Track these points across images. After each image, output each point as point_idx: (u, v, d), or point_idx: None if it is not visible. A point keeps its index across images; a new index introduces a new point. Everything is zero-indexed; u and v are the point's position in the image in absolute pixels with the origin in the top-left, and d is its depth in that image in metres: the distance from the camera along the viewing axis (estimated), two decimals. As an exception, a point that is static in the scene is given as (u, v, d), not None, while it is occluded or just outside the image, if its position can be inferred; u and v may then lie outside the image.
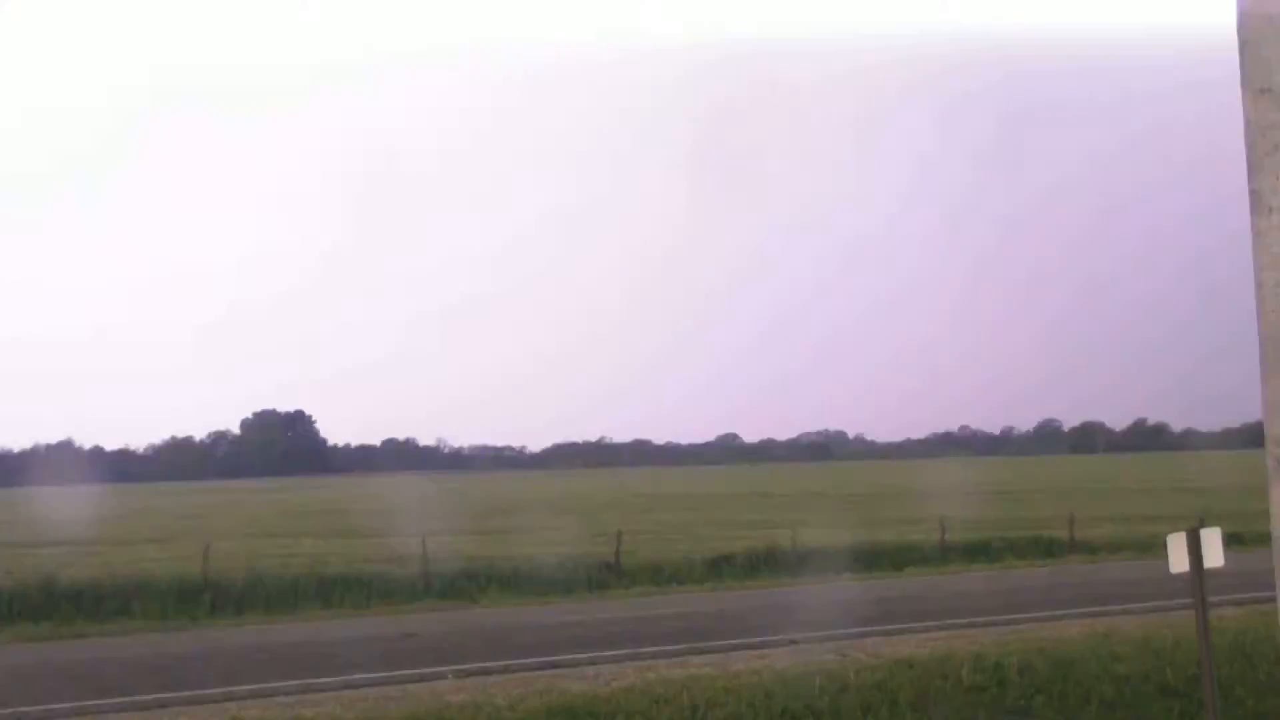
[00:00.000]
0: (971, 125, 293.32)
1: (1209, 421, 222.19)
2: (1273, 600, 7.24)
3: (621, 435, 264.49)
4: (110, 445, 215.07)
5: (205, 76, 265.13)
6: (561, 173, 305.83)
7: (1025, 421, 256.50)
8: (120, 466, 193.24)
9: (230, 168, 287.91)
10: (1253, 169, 7.14)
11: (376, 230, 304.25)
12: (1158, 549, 15.02)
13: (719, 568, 35.62)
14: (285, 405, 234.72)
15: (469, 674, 18.57)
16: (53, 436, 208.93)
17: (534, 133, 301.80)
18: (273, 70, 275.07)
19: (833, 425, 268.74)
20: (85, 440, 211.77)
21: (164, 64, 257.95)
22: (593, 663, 19.32)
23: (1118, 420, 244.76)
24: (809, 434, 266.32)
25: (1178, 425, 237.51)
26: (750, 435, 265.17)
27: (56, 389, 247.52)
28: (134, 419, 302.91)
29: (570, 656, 20.11)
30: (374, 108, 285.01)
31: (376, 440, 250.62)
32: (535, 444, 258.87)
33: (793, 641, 20.86)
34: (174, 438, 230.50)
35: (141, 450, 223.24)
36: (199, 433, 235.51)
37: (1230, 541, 11.90)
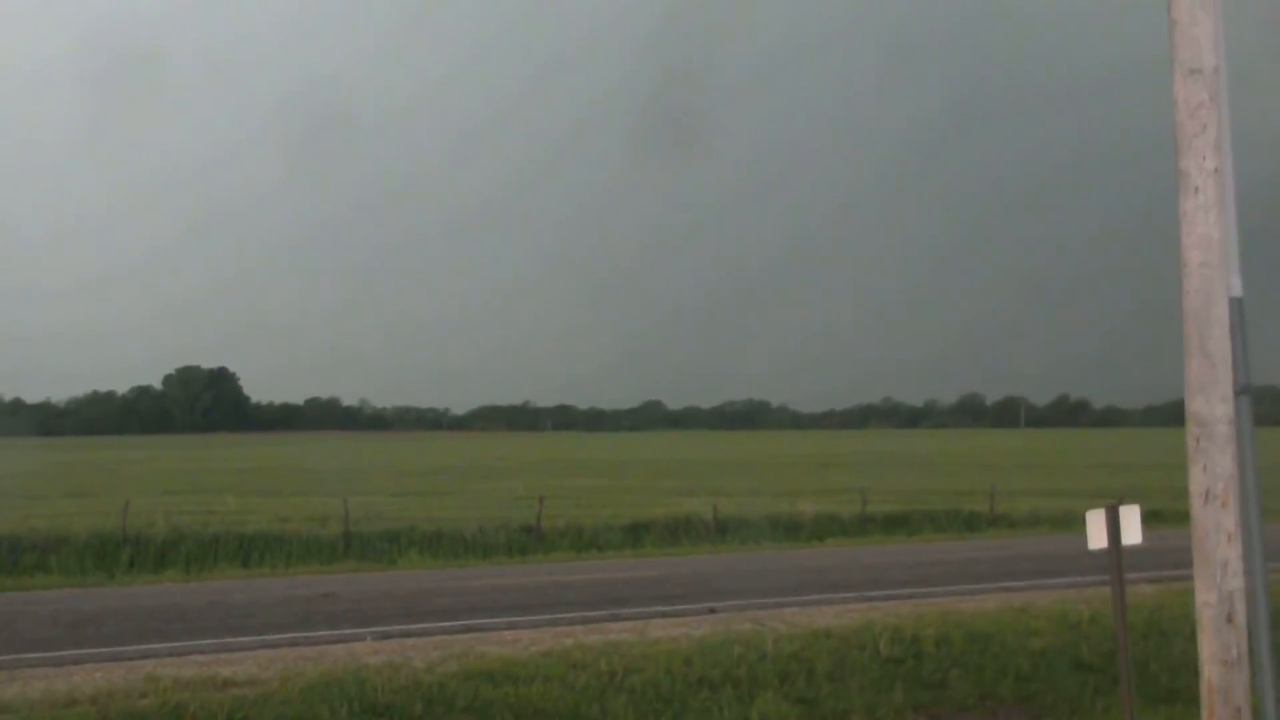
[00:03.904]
0: (908, 102, 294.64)
1: (1130, 399, 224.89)
2: (1189, 578, 7.30)
3: (545, 400, 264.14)
4: (31, 398, 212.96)
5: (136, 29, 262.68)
6: (495, 132, 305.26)
7: (947, 394, 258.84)
8: (41, 420, 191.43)
9: (155, 118, 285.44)
10: (1180, 149, 7.18)
11: (307, 188, 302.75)
12: (1076, 524, 15.14)
13: (639, 534, 35.69)
14: (209, 361, 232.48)
15: (387, 636, 18.50)
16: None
17: (469, 92, 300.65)
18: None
19: (757, 394, 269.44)
20: (5, 392, 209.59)
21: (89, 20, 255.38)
22: (511, 627, 19.29)
23: (1040, 395, 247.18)
24: (733, 403, 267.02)
25: (1099, 402, 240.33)
26: (674, 403, 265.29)
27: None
28: (56, 372, 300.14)
29: (489, 620, 20.07)
30: (316, 52, 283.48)
31: (300, 399, 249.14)
32: (458, 406, 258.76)
33: (712, 609, 20.90)
34: (95, 392, 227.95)
35: (63, 404, 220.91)
36: (121, 387, 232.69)
37: (1149, 519, 12.00)
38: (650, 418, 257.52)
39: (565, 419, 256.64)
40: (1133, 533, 9.97)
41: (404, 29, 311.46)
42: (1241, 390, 7.10)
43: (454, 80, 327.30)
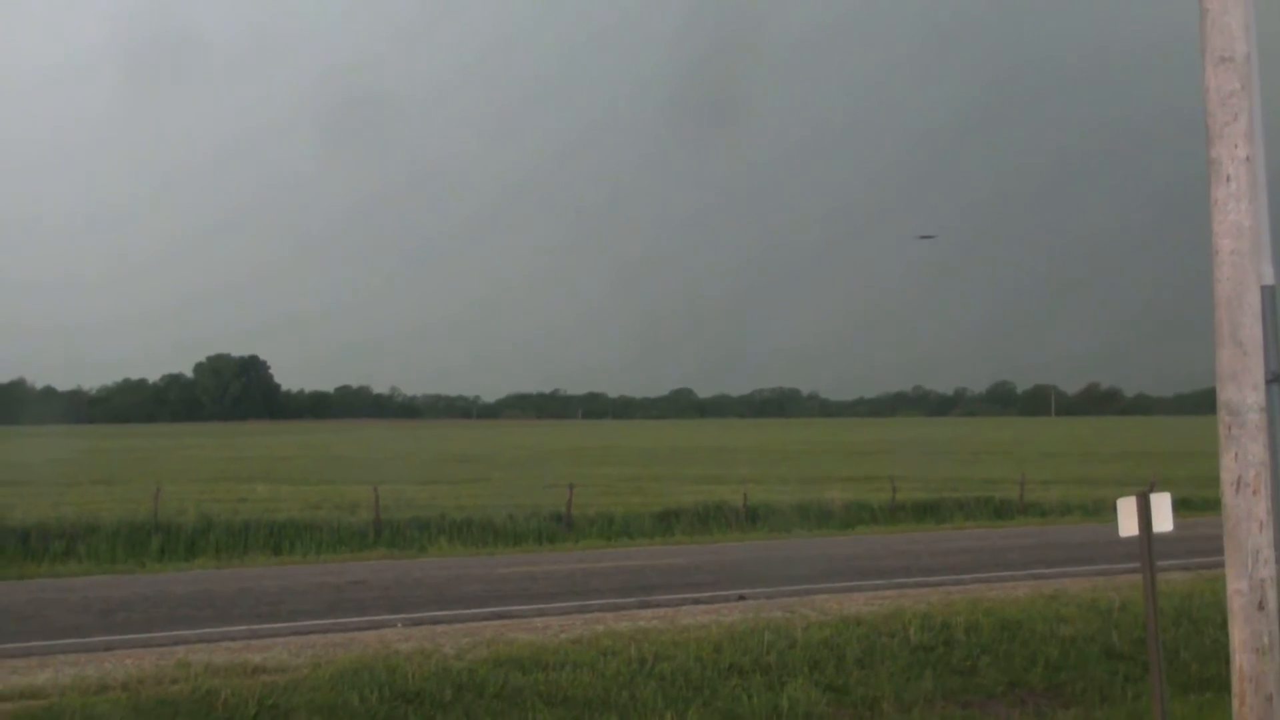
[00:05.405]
0: (935, 90, 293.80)
1: (1161, 387, 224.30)
2: (1220, 565, 7.28)
3: (575, 388, 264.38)
4: (63, 386, 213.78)
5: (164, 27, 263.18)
6: (525, 117, 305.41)
7: (978, 383, 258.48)
8: (72, 408, 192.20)
9: (187, 105, 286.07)
10: (1212, 137, 7.15)
11: (339, 176, 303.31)
12: (1107, 512, 15.11)
13: (669, 522, 35.71)
14: (240, 350, 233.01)
15: (417, 622, 18.55)
16: (4, 376, 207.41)
17: (499, 76, 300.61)
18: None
19: (786, 383, 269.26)
20: (37, 380, 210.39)
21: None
22: (541, 614, 19.33)
23: (1070, 384, 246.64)
24: (763, 390, 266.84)
25: (1130, 390, 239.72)
26: (704, 390, 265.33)
27: (9, 328, 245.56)
28: (88, 360, 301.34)
29: (519, 607, 20.11)
30: (348, 35, 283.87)
31: (330, 387, 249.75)
32: (488, 394, 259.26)
33: (741, 597, 20.91)
34: (127, 380, 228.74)
35: (94, 392, 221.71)
36: (152, 375, 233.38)
37: (1180, 507, 11.98)
38: (680, 405, 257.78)
39: (595, 407, 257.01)
40: (1164, 520, 9.93)
41: (438, 9, 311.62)
42: (1273, 378, 7.09)
43: (485, 64, 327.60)
